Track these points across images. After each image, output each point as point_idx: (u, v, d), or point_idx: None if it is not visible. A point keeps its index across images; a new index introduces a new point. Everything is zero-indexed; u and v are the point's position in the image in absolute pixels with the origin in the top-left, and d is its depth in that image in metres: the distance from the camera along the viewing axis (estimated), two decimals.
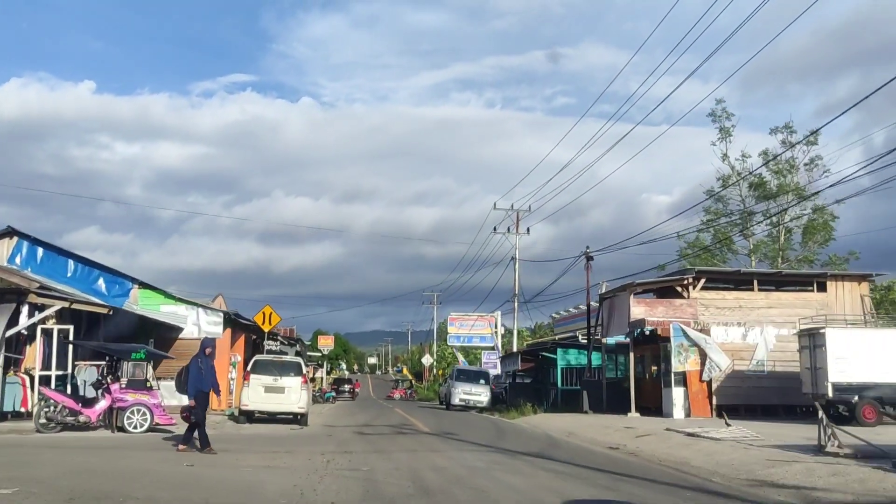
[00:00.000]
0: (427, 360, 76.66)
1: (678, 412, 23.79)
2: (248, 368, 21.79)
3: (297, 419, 21.47)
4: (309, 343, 64.10)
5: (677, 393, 23.95)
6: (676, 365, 23.97)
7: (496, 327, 57.83)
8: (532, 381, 42.89)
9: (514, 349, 44.90)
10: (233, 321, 29.00)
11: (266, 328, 30.97)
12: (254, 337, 32.78)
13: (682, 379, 24.04)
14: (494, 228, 45.69)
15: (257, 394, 21.10)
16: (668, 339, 24.91)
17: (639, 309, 25.45)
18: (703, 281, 25.61)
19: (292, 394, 21.16)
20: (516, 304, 44.81)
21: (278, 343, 33.53)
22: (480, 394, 35.58)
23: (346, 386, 63.07)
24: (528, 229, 45.68)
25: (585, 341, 40.78)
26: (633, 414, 25.09)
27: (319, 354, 58.17)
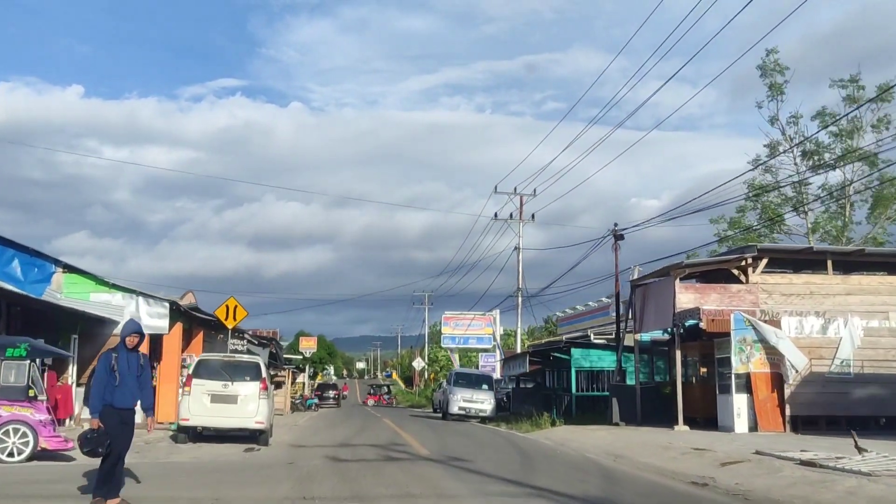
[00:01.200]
0: (418, 363, 71.51)
1: (740, 425, 18.81)
2: (190, 371, 16.69)
3: (255, 437, 16.41)
4: (285, 343, 58.88)
5: (739, 401, 18.97)
6: (738, 365, 18.98)
7: (495, 327, 52.82)
8: (535, 385, 37.95)
9: (519, 349, 39.88)
10: (186, 315, 23.86)
11: (229, 324, 25.88)
12: (220, 336, 27.55)
13: (746, 383, 19.07)
14: (495, 215, 40.75)
15: (201, 404, 16.03)
16: (721, 335, 20.01)
17: (687, 296, 20.46)
18: (764, 262, 20.65)
19: (248, 404, 16.10)
20: (519, 299, 39.82)
21: (245, 343, 28.36)
22: (483, 401, 30.52)
23: (330, 392, 57.97)
24: (532, 216, 40.75)
25: (601, 340, 35.88)
26: (681, 427, 20.10)
27: (301, 357, 52.91)
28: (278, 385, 37.57)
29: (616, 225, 25.52)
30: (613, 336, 40.43)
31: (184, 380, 17.38)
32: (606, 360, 31.09)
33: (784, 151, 27.35)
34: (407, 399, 76.29)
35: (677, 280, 20.63)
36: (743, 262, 20.68)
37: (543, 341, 47.17)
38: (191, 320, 25.05)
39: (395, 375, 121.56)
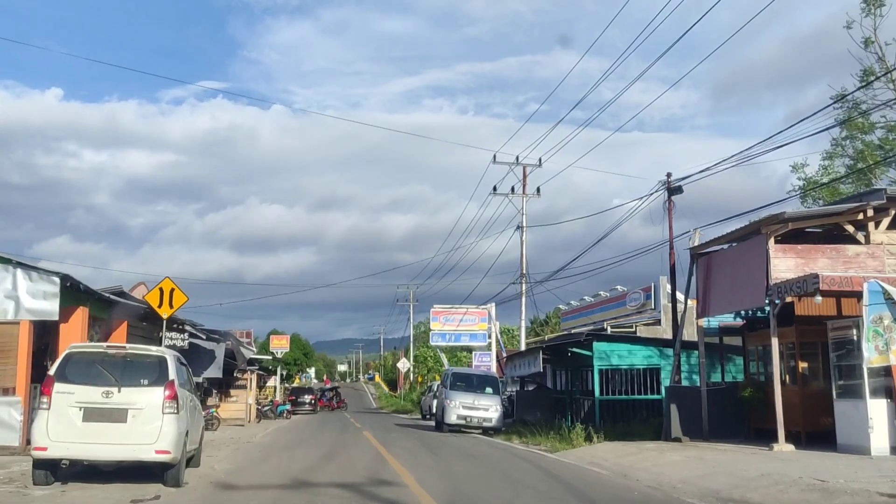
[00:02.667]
0: (403, 364, 65.39)
1: (878, 443, 13.02)
2: (52, 372, 10.59)
3: (160, 472, 10.39)
4: (245, 339, 52.53)
5: (875, 408, 13.16)
6: (873, 356, 13.16)
7: (491, 322, 46.91)
8: (537, 388, 32.15)
9: (523, 345, 33.96)
10: (96, 298, 17.71)
11: (164, 313, 19.99)
12: (158, 334, 21.34)
13: (885, 383, 13.27)
14: (494, 188, 34.78)
15: (68, 424, 9.97)
16: (833, 317, 14.27)
17: (786, 262, 14.63)
18: (893, 213, 14.89)
19: (144, 422, 10.06)
20: (523, 286, 33.90)
21: (186, 337, 22.22)
22: (487, 408, 24.60)
23: (306, 396, 51.78)
24: (537, 189, 34.86)
25: (622, 332, 30.27)
26: (783, 446, 14.28)
27: (271, 358, 46.67)
28: (235, 389, 31.46)
29: (669, 176, 19.61)
30: (633, 329, 34.94)
31: (40, 386, 11.27)
32: (638, 357, 25.32)
33: (883, 73, 21.13)
34: (390, 403, 70.16)
35: (772, 240, 14.78)
36: (860, 215, 14.89)
37: (551, 336, 41.31)
38: (106, 307, 18.92)
39: (377, 378, 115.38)
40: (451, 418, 24.43)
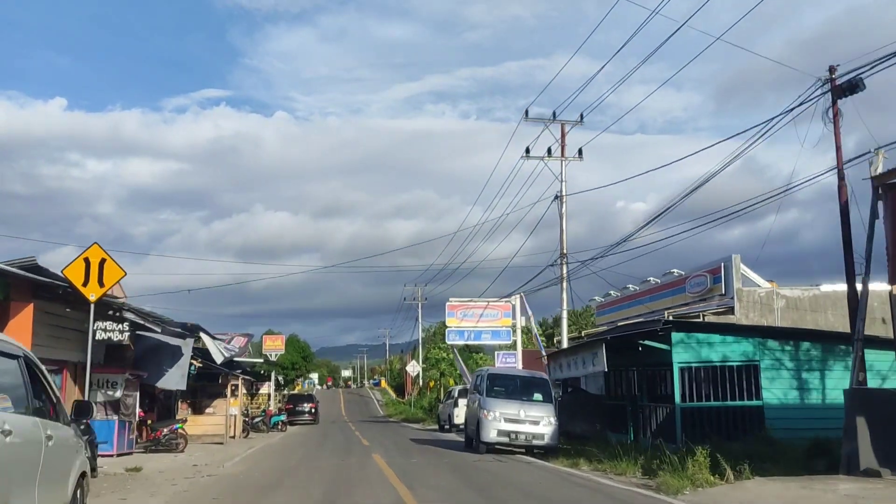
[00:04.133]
0: (413, 368, 59.20)
1: None
2: None
3: None
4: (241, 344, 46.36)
5: None
6: None
7: (517, 317, 40.77)
8: (572, 392, 26.16)
9: (565, 342, 27.80)
10: None
11: (91, 294, 14.20)
12: (95, 325, 15.22)
13: None
14: (527, 150, 28.68)
15: None
16: None
17: None
18: None
19: None
20: (564, 269, 27.80)
21: (127, 327, 16.09)
22: (538, 421, 18.49)
23: (305, 405, 45.72)
24: (579, 151, 28.78)
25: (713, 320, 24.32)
26: None
27: (262, 361, 40.53)
28: (208, 397, 25.38)
29: (833, 71, 13.31)
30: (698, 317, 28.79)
31: None
32: (732, 351, 19.25)
33: None
34: (399, 411, 64.03)
35: None
36: None
37: (591, 332, 35.07)
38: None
39: (384, 383, 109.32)
40: (490, 435, 18.32)
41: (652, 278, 33.44)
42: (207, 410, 24.98)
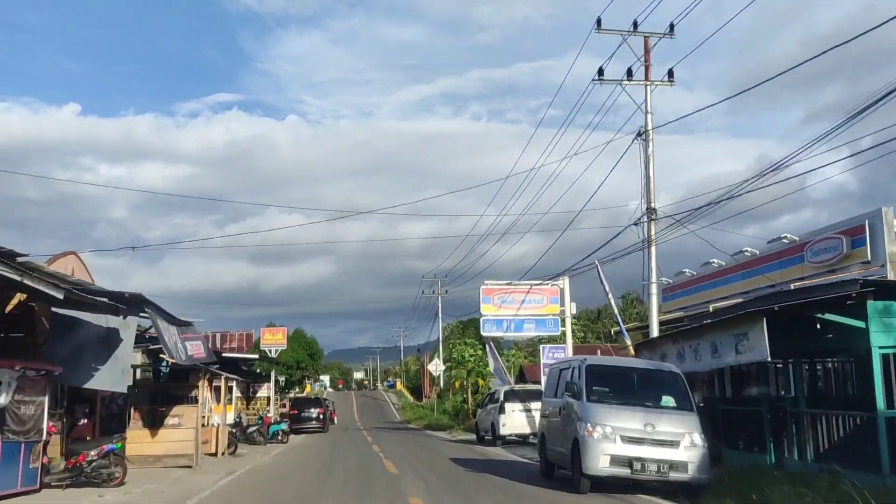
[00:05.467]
0: (435, 367, 52.12)
1: None
2: None
3: None
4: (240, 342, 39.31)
5: None
6: None
7: (566, 303, 33.81)
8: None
9: (655, 329, 20.64)
10: None
11: None
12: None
13: None
14: (600, 72, 21.60)
15: None
16: None
17: None
18: None
19: None
20: (649, 230, 20.72)
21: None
22: (677, 440, 11.40)
23: (312, 410, 38.88)
24: (669, 72, 21.74)
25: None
26: None
27: (257, 358, 33.52)
28: (174, 402, 18.44)
29: None
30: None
31: None
32: None
33: None
34: (418, 416, 56.98)
35: None
36: None
37: (667, 317, 27.75)
38: None
39: (399, 385, 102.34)
40: (598, 463, 11.23)
41: (748, 249, 26.23)
42: (170, 421, 18.04)
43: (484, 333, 33.80)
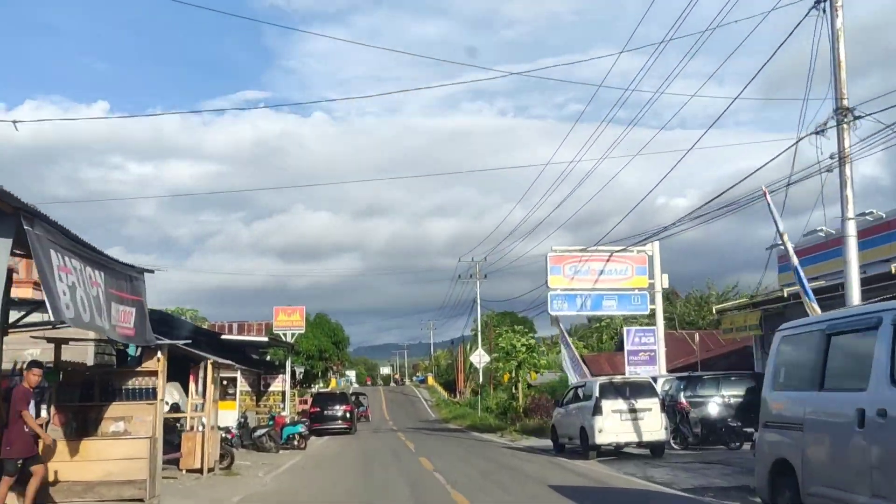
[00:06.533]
0: (479, 358, 45.14)
1: None
2: None
3: None
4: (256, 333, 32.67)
5: None
6: None
7: (656, 274, 26.89)
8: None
9: (856, 294, 13.55)
10: None
11: None
12: None
13: None
14: None
15: None
16: None
17: None
18: None
19: None
20: (846, 138, 13.56)
21: None
22: None
23: (337, 407, 32.35)
24: None
25: None
26: None
27: (266, 342, 26.75)
28: (118, 398, 11.64)
29: None
30: None
31: None
32: None
33: None
34: (456, 414, 50.16)
35: None
36: None
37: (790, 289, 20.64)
38: None
39: (430, 380, 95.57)
40: None
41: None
42: (111, 428, 11.34)
43: (552, 313, 26.81)
